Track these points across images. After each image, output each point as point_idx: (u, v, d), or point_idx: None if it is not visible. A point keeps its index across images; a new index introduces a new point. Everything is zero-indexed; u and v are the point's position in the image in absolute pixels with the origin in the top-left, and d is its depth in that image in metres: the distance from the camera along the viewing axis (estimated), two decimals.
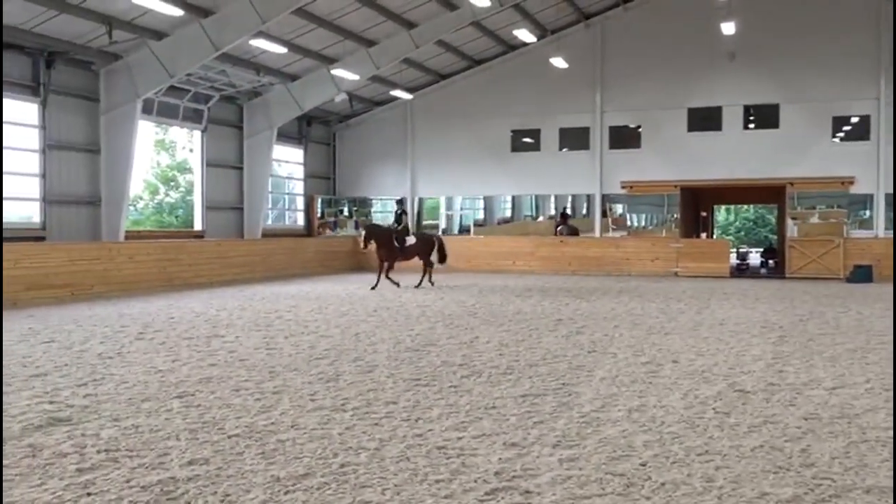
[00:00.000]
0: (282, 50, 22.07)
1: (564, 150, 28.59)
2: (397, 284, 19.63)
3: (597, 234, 28.05)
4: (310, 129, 29.65)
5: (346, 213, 31.49)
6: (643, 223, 30.10)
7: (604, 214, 28.29)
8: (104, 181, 20.33)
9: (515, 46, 28.07)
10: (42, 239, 18.86)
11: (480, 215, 31.35)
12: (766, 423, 6.22)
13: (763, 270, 28.79)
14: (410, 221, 29.85)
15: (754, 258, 32.88)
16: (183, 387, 7.58)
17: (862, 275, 22.52)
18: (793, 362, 9.00)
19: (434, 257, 20.80)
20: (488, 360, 9.13)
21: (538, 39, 26.80)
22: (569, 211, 29.34)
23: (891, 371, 8.36)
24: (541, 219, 30.79)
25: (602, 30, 27.71)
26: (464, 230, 30.63)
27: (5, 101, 18.25)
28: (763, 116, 26.35)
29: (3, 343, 10.39)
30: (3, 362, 8.91)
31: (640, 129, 27.71)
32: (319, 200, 30.34)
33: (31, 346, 10.12)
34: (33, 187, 19.18)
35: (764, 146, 26.00)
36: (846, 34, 24.84)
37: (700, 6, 25.63)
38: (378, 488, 4.71)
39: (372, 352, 9.72)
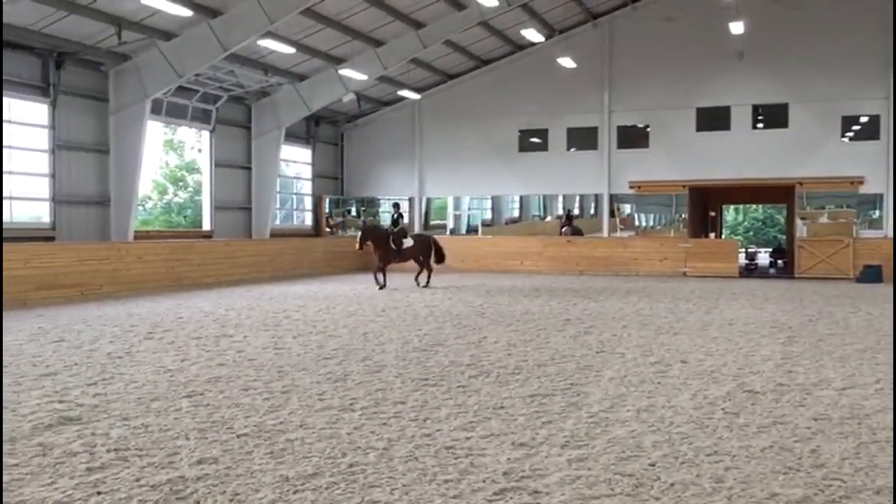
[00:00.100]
0: (290, 50, 22.10)
1: (572, 149, 28.54)
2: (382, 286, 19.32)
3: (605, 234, 28.00)
4: (318, 129, 29.69)
5: (353, 213, 31.52)
6: (651, 223, 30.04)
7: (612, 214, 28.24)
8: (113, 181, 20.40)
9: (523, 46, 28.04)
10: (52, 239, 18.93)
11: (488, 215, 31.34)
12: (776, 423, 6.20)
13: (772, 270, 28.70)
14: (418, 222, 29.96)
15: (763, 258, 32.76)
16: (192, 386, 7.60)
17: (872, 275, 22.42)
18: (802, 363, 8.97)
19: (431, 260, 20.79)
20: (496, 360, 9.13)
21: (546, 39, 26.76)
22: (575, 212, 29.32)
23: None
24: (549, 219, 30.77)
25: (610, 29, 27.65)
26: (471, 230, 30.63)
27: (15, 101, 18.36)
28: (772, 116, 26.26)
29: (14, 343, 10.45)
30: (14, 362, 8.95)
31: (649, 129, 27.65)
32: (327, 200, 30.38)
33: (40, 346, 10.16)
34: (43, 187, 19.25)
35: (773, 146, 25.90)
36: (855, 33, 24.72)
37: (708, 6, 25.54)
38: (387, 488, 4.71)
39: (380, 352, 9.72)
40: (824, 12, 25.12)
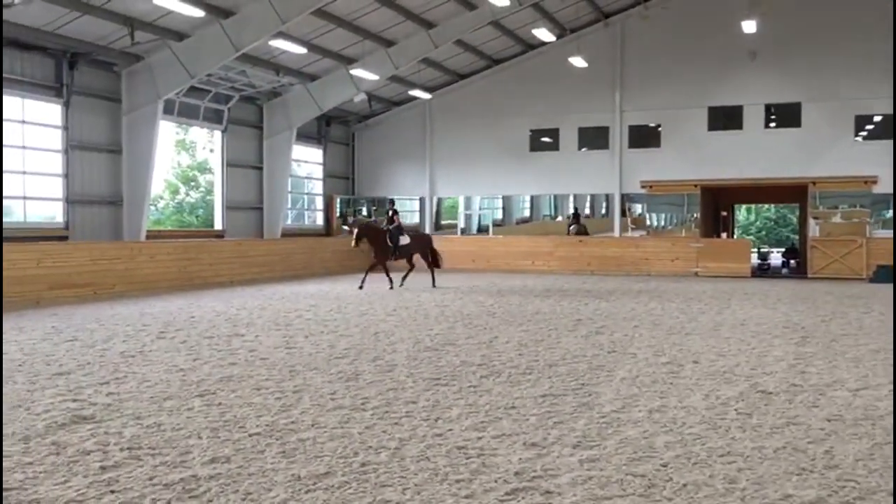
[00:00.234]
0: (301, 50, 22.14)
1: (583, 149, 28.48)
2: (361, 286, 18.89)
3: (616, 233, 27.93)
4: (329, 129, 29.74)
5: (364, 212, 31.55)
6: (663, 223, 29.94)
7: (623, 214, 28.17)
8: (126, 181, 20.50)
9: (534, 46, 28.00)
10: (65, 238, 19.05)
11: (499, 215, 31.32)
12: (789, 424, 6.17)
13: (784, 270, 28.57)
14: (429, 221, 29.95)
15: (776, 258, 32.62)
16: (204, 385, 7.63)
17: (885, 275, 22.27)
18: (815, 363, 8.92)
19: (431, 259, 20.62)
20: (508, 360, 9.12)
21: (557, 39, 26.71)
22: (586, 211, 29.26)
23: None
24: (559, 219, 30.73)
25: (622, 28, 27.57)
26: (482, 230, 30.61)
27: (29, 101, 18.47)
28: (784, 115, 26.13)
29: (28, 342, 10.52)
30: (28, 361, 9.02)
31: (660, 129, 27.56)
32: (338, 200, 30.42)
33: (54, 345, 10.22)
34: (56, 187, 19.37)
35: (785, 145, 25.78)
36: (868, 32, 24.53)
37: (720, 4, 25.44)
38: (398, 488, 4.71)
39: (391, 351, 9.73)
40: (837, 11, 24.96)
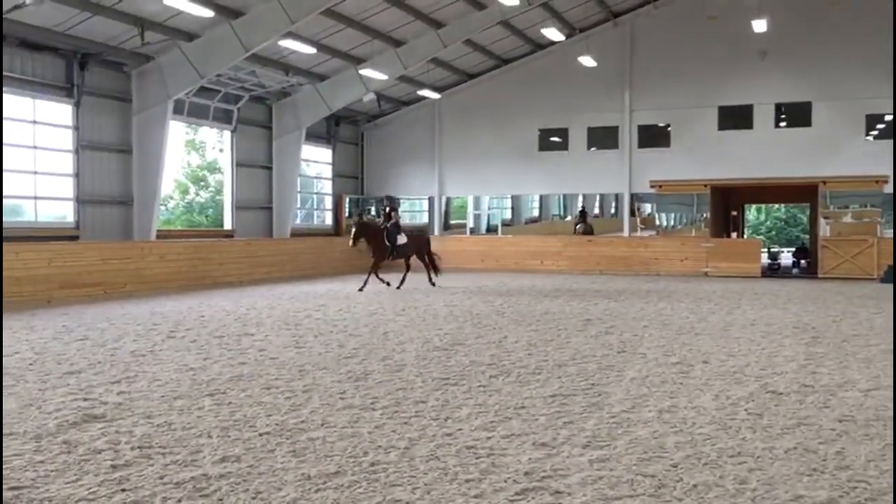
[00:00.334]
0: (310, 50, 22.18)
1: (593, 149, 28.45)
2: (361, 289, 18.59)
3: (625, 233, 27.87)
4: (338, 128, 29.77)
5: (373, 212, 31.57)
6: (672, 223, 29.86)
7: (632, 214, 28.11)
8: (136, 181, 20.57)
9: (543, 45, 27.98)
10: (76, 238, 19.13)
11: (508, 215, 31.30)
12: (800, 424, 6.14)
13: (795, 270, 28.43)
14: (438, 221, 29.94)
15: (786, 258, 32.47)
16: (214, 385, 7.65)
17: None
18: (826, 364, 8.88)
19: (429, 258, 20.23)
20: (517, 359, 9.11)
21: (566, 38, 26.69)
22: (595, 210, 29.22)
23: None
24: (568, 218, 30.70)
25: (631, 28, 27.52)
26: (491, 230, 30.61)
27: (40, 101, 18.56)
28: (795, 114, 26.03)
29: (39, 341, 10.58)
30: (39, 360, 9.06)
31: (670, 128, 27.50)
32: (348, 200, 30.46)
33: (65, 344, 10.27)
34: (67, 187, 19.46)
35: (796, 144, 25.68)
36: (879, 31, 24.39)
37: (730, 4, 25.33)
38: (408, 487, 4.71)
39: (401, 351, 9.74)
40: (847, 10, 24.82)
